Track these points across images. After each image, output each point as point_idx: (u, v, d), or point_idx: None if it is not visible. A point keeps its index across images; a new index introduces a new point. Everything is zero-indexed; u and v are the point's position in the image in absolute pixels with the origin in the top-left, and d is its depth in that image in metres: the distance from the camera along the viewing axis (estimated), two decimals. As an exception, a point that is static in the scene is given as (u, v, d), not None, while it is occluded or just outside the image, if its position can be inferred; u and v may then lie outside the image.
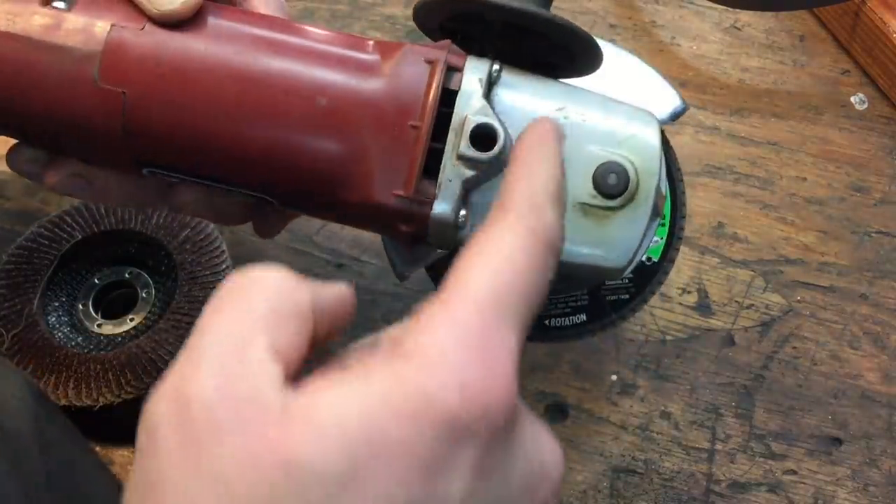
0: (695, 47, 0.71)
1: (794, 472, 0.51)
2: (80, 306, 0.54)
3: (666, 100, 0.45)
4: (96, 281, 0.55)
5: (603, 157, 0.36)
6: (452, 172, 0.35)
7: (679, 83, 0.69)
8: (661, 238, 0.46)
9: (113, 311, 0.55)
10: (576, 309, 0.47)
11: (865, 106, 0.67)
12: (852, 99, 0.68)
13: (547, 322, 0.46)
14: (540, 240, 0.28)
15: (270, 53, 0.36)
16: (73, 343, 0.53)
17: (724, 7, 0.71)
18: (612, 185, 0.36)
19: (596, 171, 0.36)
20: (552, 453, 0.28)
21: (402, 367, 0.25)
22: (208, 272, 0.54)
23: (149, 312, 0.54)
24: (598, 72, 0.40)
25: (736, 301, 0.58)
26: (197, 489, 0.23)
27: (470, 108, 0.35)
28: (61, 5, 0.37)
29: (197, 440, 0.23)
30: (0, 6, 0.36)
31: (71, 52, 0.36)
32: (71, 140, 0.38)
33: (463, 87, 0.35)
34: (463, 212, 0.36)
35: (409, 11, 0.72)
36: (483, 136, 0.35)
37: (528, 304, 0.27)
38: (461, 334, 0.25)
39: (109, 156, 0.39)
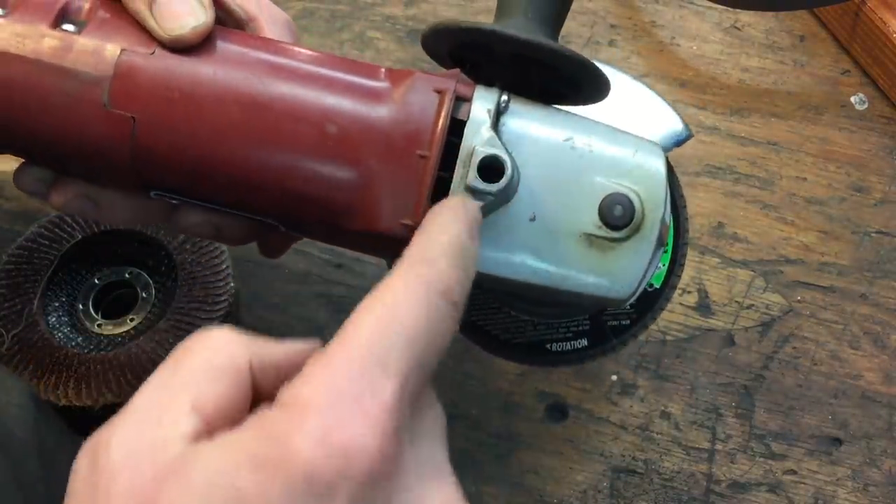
0: (695, 47, 0.71)
1: (794, 472, 0.51)
2: (81, 306, 0.54)
3: (670, 126, 0.46)
4: (96, 281, 0.55)
5: (609, 188, 0.36)
6: None
7: (679, 83, 0.69)
8: (664, 264, 0.46)
9: (113, 312, 0.55)
10: (577, 334, 0.47)
11: (865, 106, 0.67)
12: (852, 99, 0.68)
13: (548, 346, 0.47)
14: (432, 288, 0.27)
15: (280, 79, 0.36)
16: (73, 343, 0.53)
17: (725, 7, 0.71)
18: (618, 216, 0.36)
19: (602, 202, 0.36)
20: (440, 498, 0.27)
21: (270, 418, 0.25)
22: (208, 272, 0.54)
23: (149, 312, 0.54)
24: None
25: (736, 301, 0.58)
26: None
27: (478, 138, 0.35)
28: (71, 28, 0.37)
29: (95, 487, 0.25)
30: (9, 28, 0.36)
31: (80, 76, 0.36)
32: (78, 162, 0.38)
33: (471, 117, 0.36)
34: None
35: (410, 11, 0.72)
36: (491, 168, 0.35)
37: (414, 353, 0.26)
38: (333, 384, 0.25)
39: (116, 178, 0.39)
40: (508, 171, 0.34)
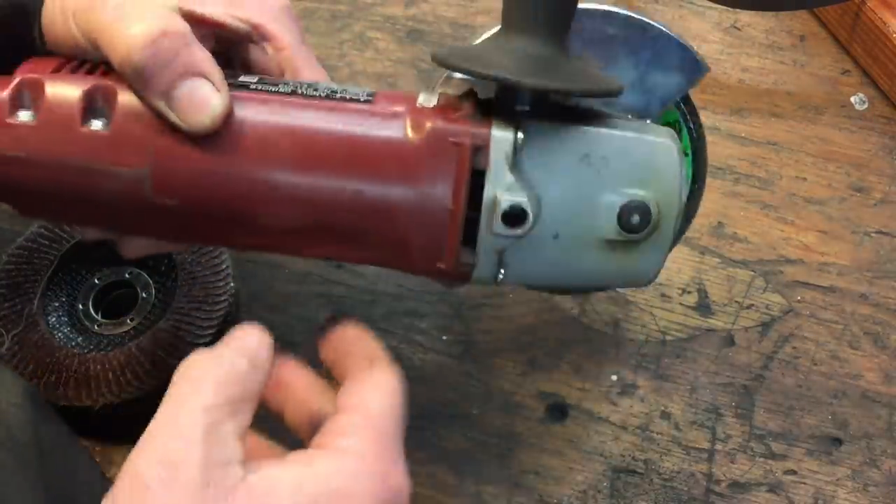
0: (695, 47, 0.71)
1: (794, 472, 0.51)
2: (80, 306, 0.54)
3: (691, 68, 0.47)
4: (96, 281, 0.55)
5: (626, 197, 0.38)
6: (488, 245, 0.38)
7: (679, 83, 0.69)
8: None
9: (113, 312, 0.55)
10: None
11: (865, 106, 0.67)
12: (852, 99, 0.68)
13: None
14: (402, 387, 0.36)
15: (305, 155, 0.37)
16: (73, 343, 0.53)
17: (724, 7, 0.71)
18: (636, 224, 0.38)
19: (620, 210, 0.38)
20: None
21: (336, 458, 0.32)
22: (208, 272, 0.54)
23: (149, 313, 0.54)
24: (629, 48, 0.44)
25: (736, 301, 0.58)
26: None
27: (499, 184, 0.37)
28: (99, 125, 0.37)
29: (183, 496, 0.29)
30: (42, 133, 0.37)
31: (122, 176, 0.37)
32: (120, 231, 0.42)
33: (491, 165, 0.37)
34: (502, 271, 0.39)
35: (410, 11, 0.72)
36: (514, 215, 0.36)
37: (400, 427, 0.35)
38: (377, 439, 0.34)
39: (155, 237, 0.43)
40: (530, 218, 0.36)
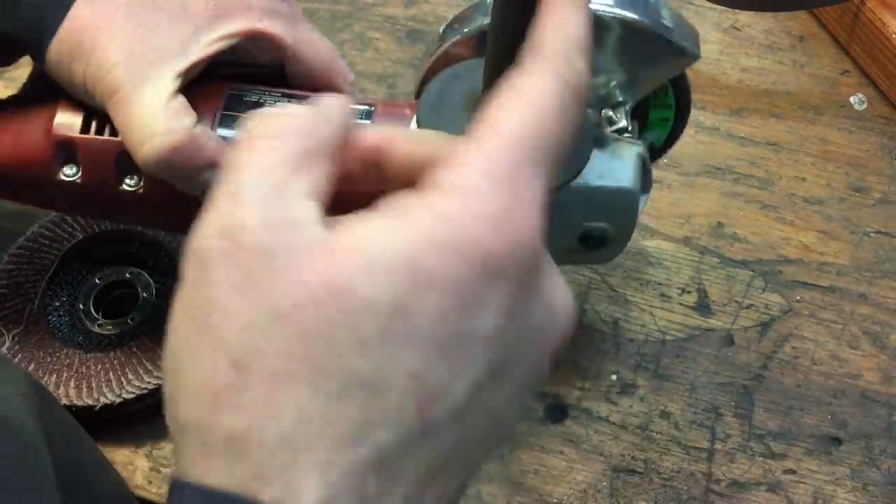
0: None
1: (793, 472, 0.51)
2: (81, 306, 0.54)
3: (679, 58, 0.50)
4: (97, 281, 0.55)
5: (587, 227, 0.44)
6: None
7: (679, 83, 0.69)
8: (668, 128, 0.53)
9: (113, 311, 0.55)
10: None
11: (865, 106, 0.68)
12: (851, 99, 0.68)
13: None
14: (569, 87, 0.27)
15: None
16: (73, 343, 0.53)
17: (724, 7, 0.71)
18: (593, 243, 0.45)
19: (581, 234, 0.45)
20: (565, 301, 0.28)
21: (438, 202, 0.25)
22: (209, 272, 0.54)
23: (149, 312, 0.54)
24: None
25: (735, 301, 0.58)
26: (256, 321, 0.23)
27: None
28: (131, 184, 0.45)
29: (250, 272, 0.24)
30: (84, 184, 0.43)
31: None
32: None
33: None
34: None
35: (410, 12, 0.72)
36: None
37: (555, 148, 0.27)
38: (494, 171, 0.25)
39: None
40: None
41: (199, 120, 0.42)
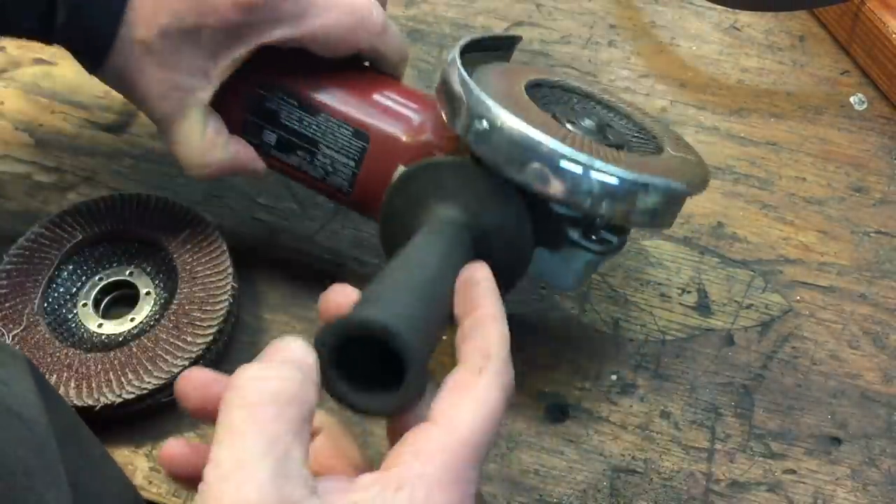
0: (694, 48, 0.71)
1: (793, 472, 0.51)
2: (81, 306, 0.54)
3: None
4: (97, 280, 0.55)
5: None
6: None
7: (678, 83, 0.69)
8: None
9: (113, 311, 0.55)
10: None
11: (865, 106, 0.68)
12: (851, 99, 0.68)
13: None
14: (506, 396, 0.34)
15: None
16: (73, 343, 0.53)
17: (724, 7, 0.71)
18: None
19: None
20: None
21: (408, 487, 0.31)
22: (208, 272, 0.54)
23: (149, 312, 0.54)
24: None
25: (735, 301, 0.58)
26: None
27: None
28: None
29: None
30: None
31: None
32: None
33: None
34: None
35: (410, 12, 0.72)
36: None
37: (490, 445, 0.34)
38: (449, 465, 0.32)
39: None
40: None
41: (230, 127, 0.50)
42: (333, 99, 0.49)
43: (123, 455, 0.51)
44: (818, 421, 0.53)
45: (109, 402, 0.49)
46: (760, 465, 0.51)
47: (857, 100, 0.68)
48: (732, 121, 0.67)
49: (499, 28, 0.71)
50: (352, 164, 0.49)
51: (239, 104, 0.51)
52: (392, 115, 0.49)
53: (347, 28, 0.48)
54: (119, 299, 0.56)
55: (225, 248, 0.55)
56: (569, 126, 0.45)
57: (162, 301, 0.55)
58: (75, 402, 0.49)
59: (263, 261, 0.59)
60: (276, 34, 0.47)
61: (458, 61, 0.43)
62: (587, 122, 0.45)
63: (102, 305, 0.55)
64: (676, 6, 0.74)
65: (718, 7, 0.72)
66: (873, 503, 0.50)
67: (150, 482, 0.51)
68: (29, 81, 0.69)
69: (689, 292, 0.58)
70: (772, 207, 0.62)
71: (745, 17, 0.73)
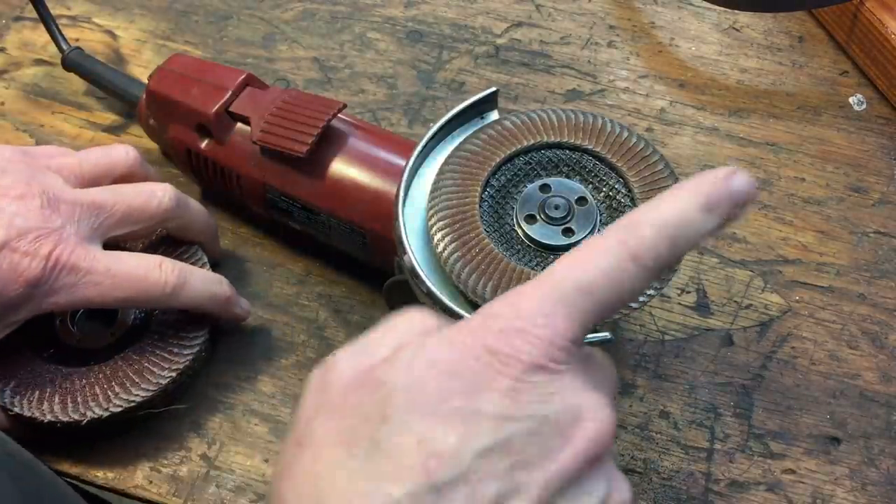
0: (694, 48, 0.71)
1: (792, 472, 0.51)
2: (58, 322, 0.53)
3: None
4: None
5: None
6: None
7: (678, 84, 0.69)
8: None
9: (93, 326, 0.54)
10: None
11: (864, 107, 0.68)
12: (851, 100, 0.68)
13: None
14: (625, 250, 0.32)
15: None
16: (53, 359, 0.51)
17: (723, 8, 0.71)
18: None
19: None
20: (592, 411, 0.31)
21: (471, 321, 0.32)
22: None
23: (130, 327, 0.53)
24: None
25: (735, 301, 0.58)
26: (314, 410, 0.32)
27: None
28: None
29: (323, 388, 0.33)
30: None
31: None
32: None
33: None
34: None
35: (410, 12, 0.72)
36: None
37: (591, 300, 0.32)
38: (519, 306, 0.32)
39: None
40: None
41: None
42: None
43: (123, 455, 0.51)
44: (817, 421, 0.53)
45: (97, 416, 0.48)
46: (759, 465, 0.51)
47: (856, 100, 0.68)
48: (732, 121, 0.67)
49: (498, 29, 0.71)
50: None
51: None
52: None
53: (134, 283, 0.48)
54: (98, 314, 0.54)
55: (206, 260, 0.54)
56: (521, 228, 0.46)
57: (143, 313, 0.54)
58: (60, 417, 0.48)
59: (263, 261, 0.59)
60: (50, 302, 0.46)
61: (403, 229, 0.46)
62: (553, 212, 0.46)
63: (81, 320, 0.54)
64: (676, 7, 0.74)
65: (718, 8, 0.72)
66: (872, 503, 0.50)
67: (151, 482, 0.51)
68: (29, 82, 0.69)
69: (688, 292, 0.58)
70: (771, 208, 0.62)
71: (744, 17, 0.73)
